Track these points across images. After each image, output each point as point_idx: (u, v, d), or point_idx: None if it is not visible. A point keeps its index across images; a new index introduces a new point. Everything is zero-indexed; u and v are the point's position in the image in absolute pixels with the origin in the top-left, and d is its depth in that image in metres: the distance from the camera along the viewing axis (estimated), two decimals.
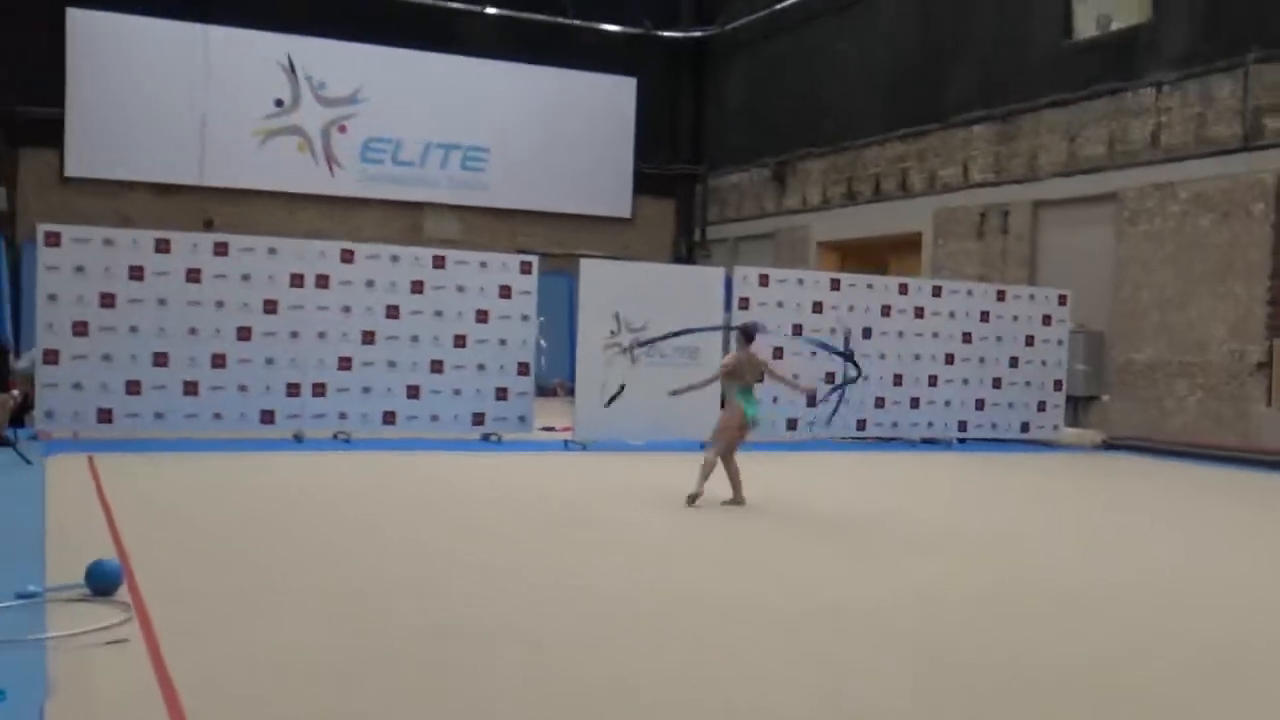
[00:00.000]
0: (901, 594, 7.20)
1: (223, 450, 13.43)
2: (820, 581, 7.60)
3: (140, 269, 13.90)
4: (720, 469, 10.67)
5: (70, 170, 24.31)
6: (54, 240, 13.69)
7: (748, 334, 11.08)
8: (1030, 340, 18.24)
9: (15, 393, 13.94)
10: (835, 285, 17.41)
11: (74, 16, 24.11)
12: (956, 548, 8.99)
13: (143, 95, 24.42)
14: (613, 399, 14.74)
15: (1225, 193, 17.12)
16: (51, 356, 13.56)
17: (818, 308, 16.99)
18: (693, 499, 10.41)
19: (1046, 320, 18.37)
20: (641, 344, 14.73)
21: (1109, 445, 17.88)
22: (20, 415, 14.12)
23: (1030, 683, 5.41)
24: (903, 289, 17.76)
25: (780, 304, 16.82)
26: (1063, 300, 18.47)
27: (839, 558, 8.48)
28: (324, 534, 8.64)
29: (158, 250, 14.01)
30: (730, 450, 10.78)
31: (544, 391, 19.79)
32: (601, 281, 15.74)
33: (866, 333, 17.25)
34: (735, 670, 5.46)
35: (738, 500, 10.69)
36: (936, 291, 17.95)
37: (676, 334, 14.63)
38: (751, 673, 5.43)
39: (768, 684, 5.25)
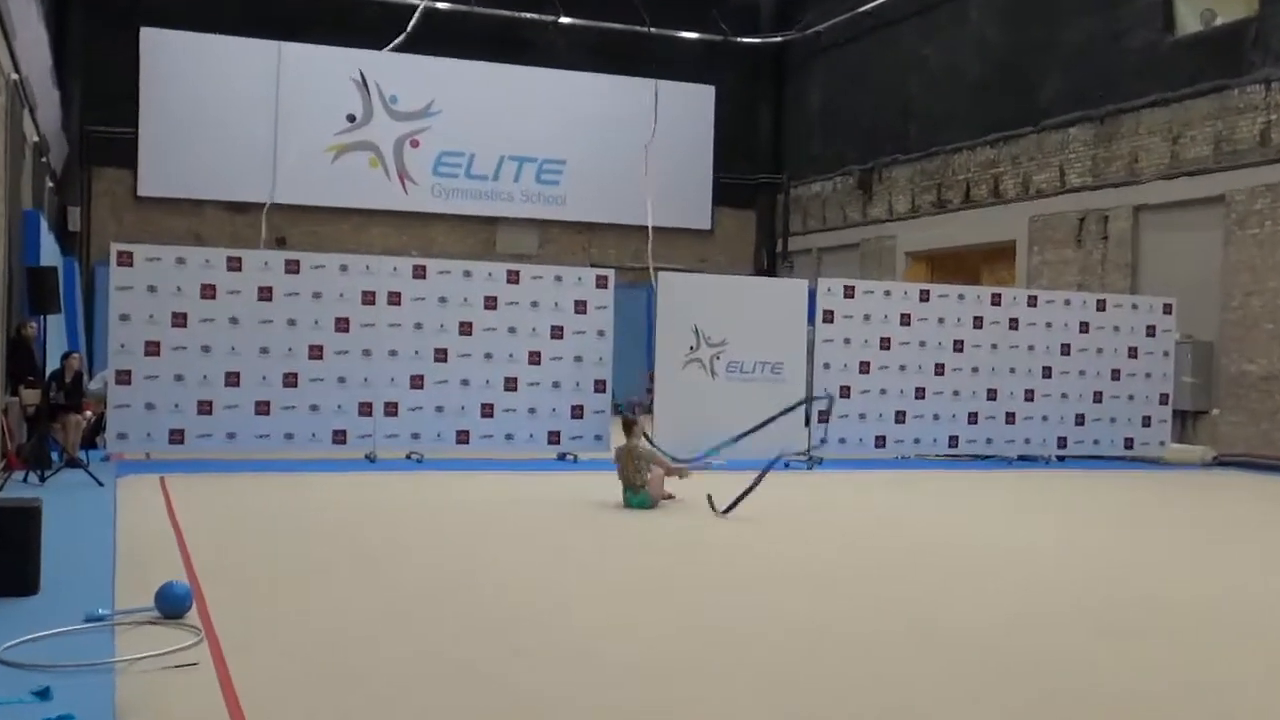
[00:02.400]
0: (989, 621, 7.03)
1: (295, 471, 13.58)
2: (914, 601, 7.46)
3: (212, 287, 14.14)
4: None
5: (144, 189, 24.90)
6: (126, 260, 13.97)
7: (627, 424, 11.63)
8: (1133, 352, 17.93)
9: (88, 414, 14.25)
10: (924, 297, 17.25)
11: (147, 35, 24.70)
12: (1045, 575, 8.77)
13: (216, 112, 24.93)
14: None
15: None
16: (123, 377, 13.83)
17: (905, 320, 16.86)
18: None
19: (1150, 331, 18.04)
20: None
21: (1220, 462, 17.42)
22: (92, 436, 14.43)
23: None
24: (996, 300, 17.55)
25: (867, 317, 16.72)
26: (1168, 309, 18.14)
27: (932, 578, 8.32)
28: (396, 557, 8.66)
29: (230, 269, 14.27)
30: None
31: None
32: (680, 295, 15.70)
33: (958, 345, 17.08)
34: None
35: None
36: (1032, 302, 17.73)
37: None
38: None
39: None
